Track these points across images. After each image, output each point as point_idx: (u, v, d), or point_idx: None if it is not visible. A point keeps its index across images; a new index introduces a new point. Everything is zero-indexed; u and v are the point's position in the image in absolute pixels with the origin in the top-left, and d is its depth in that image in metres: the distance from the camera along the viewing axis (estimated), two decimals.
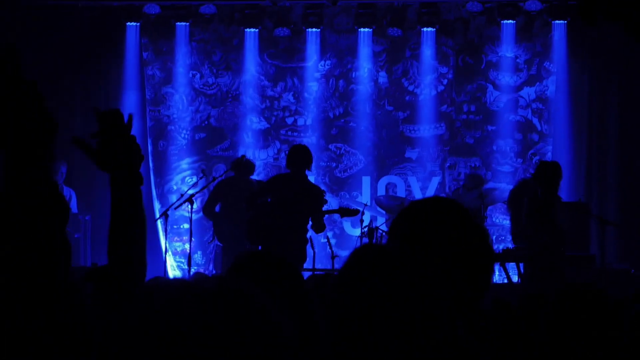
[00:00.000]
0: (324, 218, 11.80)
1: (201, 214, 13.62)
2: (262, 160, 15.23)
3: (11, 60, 2.88)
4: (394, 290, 2.29)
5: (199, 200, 13.67)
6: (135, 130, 11.20)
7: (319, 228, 11.57)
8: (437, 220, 2.72)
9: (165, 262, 14.04)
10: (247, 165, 13.03)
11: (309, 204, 11.24)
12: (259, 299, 1.73)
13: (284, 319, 1.75)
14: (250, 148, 15.22)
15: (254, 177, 13.27)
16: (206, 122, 15.40)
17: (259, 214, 11.30)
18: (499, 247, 13.93)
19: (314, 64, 15.26)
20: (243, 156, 13.32)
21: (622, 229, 13.68)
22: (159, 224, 14.45)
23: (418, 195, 14.71)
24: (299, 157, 11.22)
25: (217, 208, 12.96)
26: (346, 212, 12.20)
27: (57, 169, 13.67)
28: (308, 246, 13.39)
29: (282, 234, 11.02)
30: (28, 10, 14.60)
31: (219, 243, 13.12)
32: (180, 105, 15.37)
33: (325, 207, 13.15)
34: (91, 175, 14.67)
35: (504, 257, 10.75)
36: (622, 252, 13.80)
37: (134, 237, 2.97)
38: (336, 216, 15.02)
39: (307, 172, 11.28)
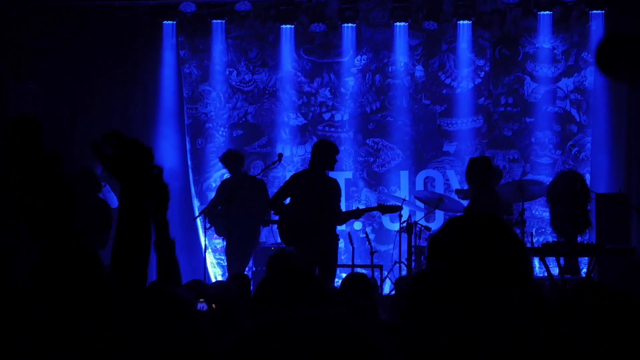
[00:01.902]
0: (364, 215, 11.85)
1: None
2: (300, 157, 15.26)
3: (33, 132, 2.95)
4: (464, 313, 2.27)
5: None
6: (173, 129, 11.28)
7: (340, 222, 11.61)
8: (477, 237, 2.72)
9: (205, 259, 14.09)
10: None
11: (329, 198, 11.25)
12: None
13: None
14: (287, 144, 15.25)
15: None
16: (243, 119, 15.45)
17: (285, 214, 11.31)
18: (539, 239, 13.89)
19: (350, 59, 15.25)
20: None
21: None
22: (199, 222, 14.51)
23: (456, 187, 14.63)
24: (316, 152, 11.29)
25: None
26: (386, 209, 12.17)
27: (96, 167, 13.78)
28: (347, 242, 13.44)
29: (312, 232, 11.01)
30: (66, 11, 14.69)
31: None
32: (218, 103, 15.42)
33: (364, 205, 13.12)
34: None
35: (543, 252, 10.67)
36: None
37: (137, 246, 3.01)
38: (375, 212, 15.05)
39: (338, 166, 11.35)
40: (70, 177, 11.37)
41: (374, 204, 14.94)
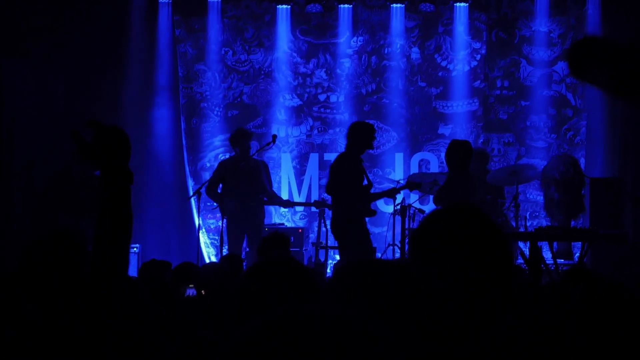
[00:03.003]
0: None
1: None
2: (295, 137, 15.24)
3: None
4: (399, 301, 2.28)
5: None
6: (168, 108, 11.22)
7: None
8: (455, 230, 2.73)
9: (198, 239, 14.10)
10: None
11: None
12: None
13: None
14: (283, 125, 15.22)
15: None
16: (239, 99, 15.41)
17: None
18: (533, 223, 13.90)
19: (346, 40, 15.21)
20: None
21: None
22: (193, 202, 14.50)
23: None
24: (354, 133, 11.38)
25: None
26: (413, 185, 12.28)
27: None
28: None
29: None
30: None
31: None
32: (213, 83, 15.37)
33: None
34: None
35: (536, 236, 10.66)
36: None
37: (118, 235, 3.01)
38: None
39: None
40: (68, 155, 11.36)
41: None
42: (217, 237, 14.04)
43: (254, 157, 13.22)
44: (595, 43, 2.25)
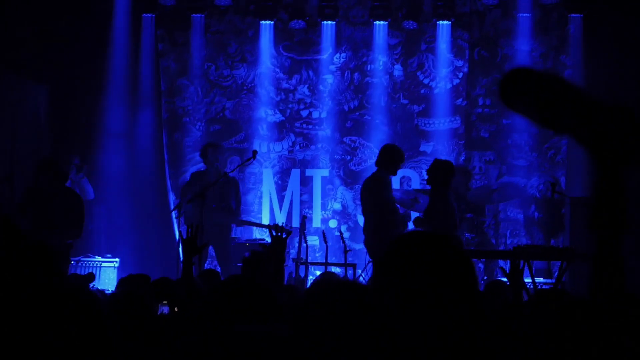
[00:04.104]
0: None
1: None
2: (277, 153, 15.24)
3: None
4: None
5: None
6: (150, 122, 11.20)
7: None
8: (419, 256, 2.76)
9: (178, 253, 14.05)
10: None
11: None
12: None
13: None
14: (265, 140, 15.23)
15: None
16: (221, 114, 15.41)
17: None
18: (513, 241, 13.93)
19: (329, 57, 15.24)
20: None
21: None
22: (173, 215, 14.46)
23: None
24: (386, 154, 11.47)
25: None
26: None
27: (70, 160, 13.72)
28: (321, 239, 13.45)
29: None
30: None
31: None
32: (195, 97, 15.37)
33: (339, 203, 13.09)
34: (105, 165, 14.73)
35: (515, 254, 10.68)
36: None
37: None
38: (350, 209, 15.07)
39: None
40: (35, 168, 11.30)
41: (351, 202, 14.99)
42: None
43: (231, 173, 13.23)
44: (524, 74, 2.27)
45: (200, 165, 13.79)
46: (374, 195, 11.33)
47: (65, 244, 11.01)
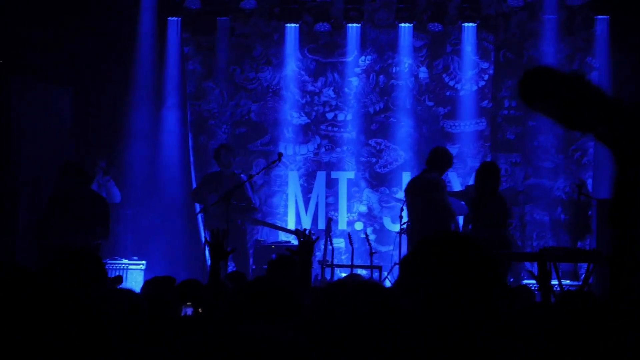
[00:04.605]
0: None
1: None
2: (303, 156, 15.26)
3: None
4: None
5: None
6: (176, 125, 11.26)
7: None
8: (443, 257, 2.76)
9: (204, 255, 14.09)
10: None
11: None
12: None
13: None
14: (290, 143, 15.25)
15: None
16: (247, 117, 15.44)
17: None
18: (539, 243, 13.88)
19: (354, 59, 15.24)
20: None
21: None
22: (199, 218, 14.51)
23: (458, 189, 14.61)
24: (437, 156, 11.70)
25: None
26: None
27: (96, 163, 13.79)
28: (347, 242, 13.46)
29: None
30: (67, 3, 14.61)
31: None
32: (221, 100, 15.42)
33: (365, 205, 13.04)
34: (132, 168, 14.79)
35: (541, 256, 10.63)
36: None
37: None
38: (376, 211, 15.06)
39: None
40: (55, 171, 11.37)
41: (376, 204, 14.98)
42: None
43: (256, 175, 13.38)
44: (546, 73, 2.27)
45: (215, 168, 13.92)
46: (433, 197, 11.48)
47: (92, 245, 11.08)
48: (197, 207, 14.80)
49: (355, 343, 2.37)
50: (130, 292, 3.97)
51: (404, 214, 13.20)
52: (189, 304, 4.72)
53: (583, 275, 12.28)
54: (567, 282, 12.26)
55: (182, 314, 4.74)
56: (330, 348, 2.34)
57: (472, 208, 11.26)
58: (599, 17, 14.57)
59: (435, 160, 11.56)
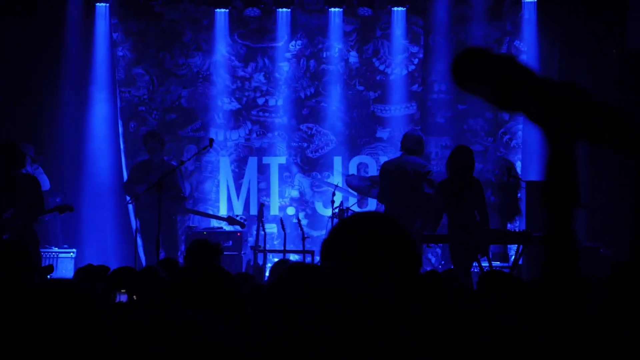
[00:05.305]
0: None
1: None
2: (234, 141, 15.22)
3: None
4: (320, 310, 2.32)
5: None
6: (106, 111, 11.16)
7: None
8: (366, 236, 2.79)
9: (135, 243, 14.00)
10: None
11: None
12: None
13: None
14: (221, 129, 15.20)
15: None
16: (177, 103, 15.35)
17: None
18: None
19: (284, 44, 15.23)
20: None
21: (592, 209, 13.60)
22: (130, 206, 14.40)
23: None
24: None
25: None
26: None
27: (24, 151, 13.60)
28: (279, 227, 13.49)
29: None
30: None
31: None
32: (151, 86, 15.30)
33: (297, 190, 13.08)
34: (60, 156, 14.63)
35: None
36: (592, 233, 13.68)
37: None
38: (308, 196, 15.09)
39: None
40: None
41: (308, 189, 15.01)
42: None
43: (188, 161, 13.39)
44: (477, 54, 2.29)
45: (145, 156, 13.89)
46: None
47: (31, 224, 11.00)
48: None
49: (309, 331, 2.39)
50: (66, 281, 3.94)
51: (336, 198, 13.27)
52: (123, 291, 4.69)
53: (513, 257, 12.46)
54: (497, 263, 12.41)
55: (117, 301, 4.72)
56: (280, 340, 2.37)
57: (449, 193, 11.27)
58: (527, 1, 14.72)
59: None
